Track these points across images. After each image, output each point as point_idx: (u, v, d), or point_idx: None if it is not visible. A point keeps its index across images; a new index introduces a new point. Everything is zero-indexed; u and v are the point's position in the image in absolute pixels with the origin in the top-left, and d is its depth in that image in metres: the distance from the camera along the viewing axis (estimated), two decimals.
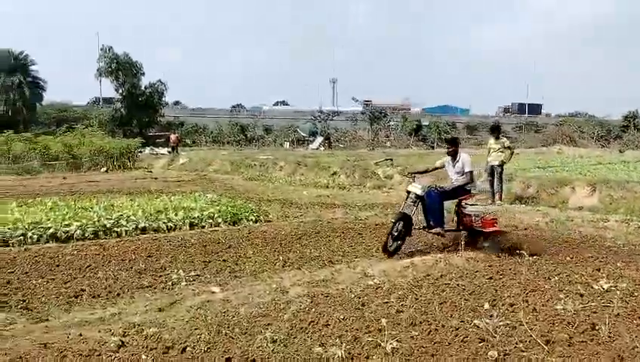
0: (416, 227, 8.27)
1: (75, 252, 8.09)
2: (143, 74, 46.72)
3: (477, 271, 6.90)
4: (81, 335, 4.79)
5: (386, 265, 7.49)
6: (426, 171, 9.21)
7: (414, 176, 8.53)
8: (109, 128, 41.98)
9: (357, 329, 4.83)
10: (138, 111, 45.96)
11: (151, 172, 26.33)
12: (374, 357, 4.26)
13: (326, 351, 4.31)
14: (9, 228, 8.81)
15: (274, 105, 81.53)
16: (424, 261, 7.66)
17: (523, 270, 6.80)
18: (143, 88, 46.81)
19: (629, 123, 56.98)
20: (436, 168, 9.07)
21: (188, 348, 4.45)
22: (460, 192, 8.47)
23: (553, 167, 19.68)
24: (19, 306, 5.74)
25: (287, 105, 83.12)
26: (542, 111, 78.58)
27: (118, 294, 6.23)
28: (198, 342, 4.57)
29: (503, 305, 5.51)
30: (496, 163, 13.79)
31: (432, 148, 47.62)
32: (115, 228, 9.49)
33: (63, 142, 28.26)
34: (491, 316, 5.06)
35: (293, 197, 15.42)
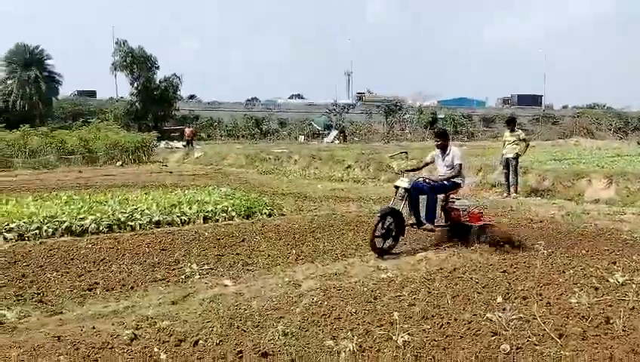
0: (406, 224, 7.93)
1: (90, 245, 8.16)
2: (158, 68, 46.99)
3: (491, 265, 6.85)
4: (94, 328, 4.84)
5: (399, 259, 7.47)
6: (417, 168, 8.85)
7: (403, 173, 8.26)
8: (124, 122, 42.27)
9: (369, 323, 4.82)
10: (153, 105, 46.23)
11: (166, 166, 26.50)
12: (386, 351, 4.24)
13: (337, 344, 4.31)
14: (25, 222, 8.90)
15: (289, 98, 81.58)
16: (437, 254, 7.62)
17: (537, 263, 6.73)
18: (157, 82, 47.05)
19: None
20: (427, 163, 8.81)
21: (200, 341, 4.47)
22: (450, 186, 8.22)
23: (570, 160, 19.47)
24: (33, 299, 5.80)
25: (302, 98, 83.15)
26: (542, 102, 77.26)
27: (132, 287, 6.28)
28: (210, 334, 4.58)
29: (516, 298, 5.46)
30: (512, 155, 13.66)
31: None
32: (130, 222, 9.56)
33: (79, 136, 28.55)
34: (504, 309, 5.02)
35: (307, 190, 15.43)
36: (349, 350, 4.21)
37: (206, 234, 9.02)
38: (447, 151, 8.39)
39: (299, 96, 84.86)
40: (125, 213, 9.84)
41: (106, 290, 6.15)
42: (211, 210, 10.55)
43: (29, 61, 44.55)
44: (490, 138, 48.09)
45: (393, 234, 7.72)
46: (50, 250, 7.87)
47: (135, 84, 46.13)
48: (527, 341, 4.37)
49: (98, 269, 6.97)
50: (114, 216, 9.63)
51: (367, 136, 50.90)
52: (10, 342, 4.55)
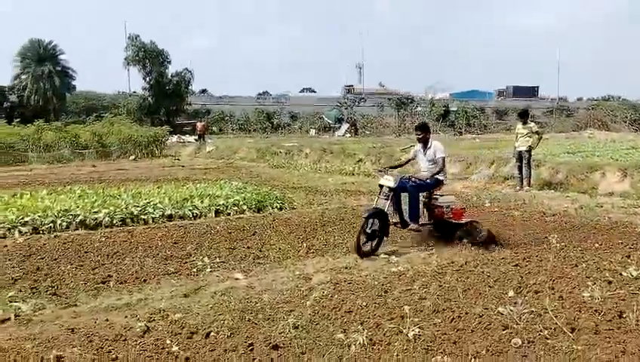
0: (389, 223, 7.66)
1: (103, 239, 8.24)
2: (170, 62, 47.15)
3: (502, 258, 6.82)
4: (107, 320, 4.90)
5: (409, 253, 7.47)
6: (399, 166, 8.60)
7: (386, 170, 7.96)
8: (137, 117, 42.47)
9: (379, 316, 4.83)
10: (165, 99, 46.44)
11: (178, 160, 26.64)
12: (396, 344, 4.24)
13: (348, 338, 4.32)
14: (39, 216, 9.01)
15: (300, 92, 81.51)
16: (448, 248, 7.60)
17: (550, 257, 6.70)
18: (169, 77, 47.23)
19: None
20: (409, 160, 8.54)
21: (212, 334, 4.50)
22: (433, 184, 7.89)
23: (584, 152, 19.25)
24: (48, 292, 5.87)
25: (313, 92, 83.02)
26: (538, 93, 75.91)
27: (145, 280, 6.33)
28: (221, 327, 4.62)
29: (528, 292, 5.43)
30: (524, 148, 13.56)
31: (460, 133, 47.03)
32: (142, 216, 9.64)
33: (93, 130, 28.76)
34: (516, 303, 5.00)
35: (318, 184, 15.44)
36: (360, 343, 4.22)
37: (217, 227, 9.06)
38: (429, 145, 8.03)
39: (310, 90, 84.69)
40: (138, 206, 9.92)
41: (120, 283, 6.21)
42: (223, 204, 10.60)
43: (43, 56, 44.92)
44: (503, 130, 47.74)
45: (378, 234, 7.46)
46: (65, 243, 7.96)
47: (147, 79, 46.37)
48: (539, 335, 4.35)
49: (111, 262, 7.04)
50: (127, 209, 9.71)
51: (379, 129, 50.71)
52: (26, 333, 4.62)
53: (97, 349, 4.20)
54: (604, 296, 5.20)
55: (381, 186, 7.71)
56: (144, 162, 25.60)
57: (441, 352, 4.10)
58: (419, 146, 8.19)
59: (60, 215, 9.13)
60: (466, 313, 4.85)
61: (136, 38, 45.59)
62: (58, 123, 30.88)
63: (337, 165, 20.17)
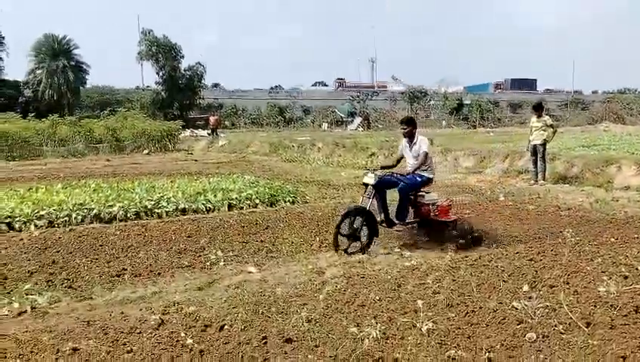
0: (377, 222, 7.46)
1: (118, 232, 8.30)
2: (183, 57, 47.42)
3: (517, 253, 6.77)
4: (122, 313, 4.93)
5: (423, 247, 7.44)
6: (391, 166, 8.07)
7: (373, 169, 7.64)
8: (150, 111, 42.71)
9: (392, 310, 4.81)
10: (178, 93, 46.68)
11: (191, 154, 26.75)
12: (410, 338, 4.23)
13: (361, 331, 4.31)
14: (54, 209, 9.09)
15: (312, 85, 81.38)
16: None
17: (565, 251, 6.63)
18: (182, 71, 47.42)
19: None
20: (400, 158, 8.14)
21: (226, 327, 4.51)
22: (422, 182, 7.65)
23: (599, 146, 19.05)
24: (64, 285, 5.93)
25: (325, 85, 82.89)
26: (536, 86, 74.52)
27: (159, 273, 6.38)
28: (235, 320, 4.63)
29: (542, 286, 5.38)
30: (539, 142, 13.45)
31: (474, 127, 46.73)
32: (156, 209, 9.70)
33: (107, 125, 28.93)
34: (530, 298, 4.96)
35: (330, 178, 15.42)
36: (373, 337, 4.22)
37: (230, 221, 9.09)
38: (415, 141, 7.76)
39: (322, 84, 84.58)
40: (152, 200, 9.98)
41: (134, 276, 6.26)
42: (236, 198, 10.63)
43: (57, 51, 45.23)
44: (517, 124, 47.41)
45: (363, 234, 7.23)
46: (80, 236, 8.03)
47: (160, 73, 46.59)
48: (554, 329, 4.32)
49: (126, 256, 7.10)
50: (141, 203, 9.77)
51: (392, 123, 50.56)
52: (42, 326, 4.67)
53: (112, 341, 4.23)
54: (619, 291, 5.14)
55: (365, 185, 7.50)
56: (157, 156, 25.73)
57: (455, 346, 4.08)
58: (405, 142, 7.95)
59: (75, 208, 9.21)
60: (480, 307, 4.82)
61: (149, 33, 45.84)
62: (72, 117, 31.06)
63: (350, 159, 20.13)
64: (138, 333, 4.40)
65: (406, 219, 7.62)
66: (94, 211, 9.22)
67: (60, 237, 7.98)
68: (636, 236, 7.66)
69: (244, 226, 8.75)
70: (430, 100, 55.94)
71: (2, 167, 21.40)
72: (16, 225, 8.56)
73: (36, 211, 8.96)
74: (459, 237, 7.45)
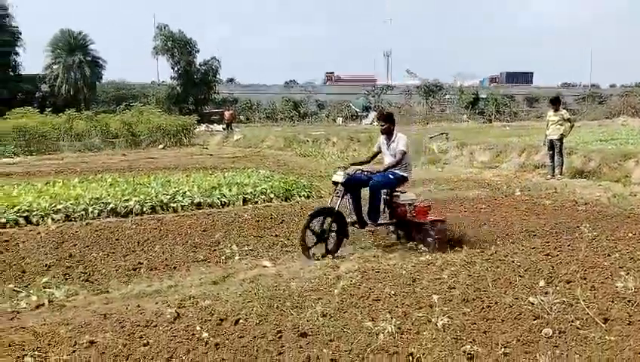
0: (348, 222, 7.13)
1: (134, 226, 8.36)
2: (198, 51, 47.55)
3: (533, 248, 6.71)
4: (139, 306, 4.97)
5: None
6: (365, 162, 7.71)
7: (344, 167, 7.27)
8: (165, 106, 42.93)
9: (407, 305, 4.80)
10: (193, 88, 46.88)
11: (206, 148, 26.88)
12: (425, 333, 4.22)
13: (376, 326, 4.31)
14: (71, 203, 9.18)
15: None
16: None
17: (582, 246, 6.56)
18: (197, 66, 47.57)
19: None
20: (376, 154, 7.81)
21: (241, 320, 4.53)
22: (396, 181, 7.26)
23: (617, 140, 18.80)
24: (81, 278, 6.01)
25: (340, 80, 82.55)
26: (533, 79, 72.94)
27: (175, 267, 6.43)
28: (250, 314, 4.64)
29: (559, 282, 5.33)
30: (556, 136, 13.32)
31: (490, 121, 46.36)
32: (172, 204, 9.76)
33: (122, 120, 29.15)
34: (547, 293, 4.92)
35: None
36: (388, 331, 4.21)
37: (245, 215, 9.12)
38: (393, 138, 7.41)
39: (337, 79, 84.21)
40: (167, 194, 10.04)
41: (150, 270, 6.31)
42: (250, 192, 10.66)
43: (73, 46, 45.59)
44: (533, 118, 46.96)
45: (332, 235, 6.90)
46: (96, 230, 8.10)
47: (176, 68, 46.77)
48: (571, 325, 4.28)
49: (142, 249, 7.16)
50: (157, 197, 9.83)
51: (407, 117, 50.32)
52: (59, 319, 4.72)
53: (129, 334, 4.27)
54: (637, 287, 5.07)
55: (335, 183, 7.13)
56: (173, 151, 25.88)
57: (471, 342, 4.06)
58: (383, 138, 7.61)
59: (91, 203, 9.29)
60: (496, 302, 4.79)
61: (164, 28, 46.01)
62: (89, 112, 31.37)
63: (365, 153, 20.01)
64: (154, 327, 4.44)
65: (379, 220, 7.20)
66: (111, 205, 9.29)
67: (76, 231, 8.05)
68: None
69: (258, 220, 8.78)
70: (445, 94, 55.56)
71: (20, 161, 21.68)
72: (34, 219, 8.65)
73: (53, 205, 9.06)
74: (436, 240, 7.01)
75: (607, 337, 4.05)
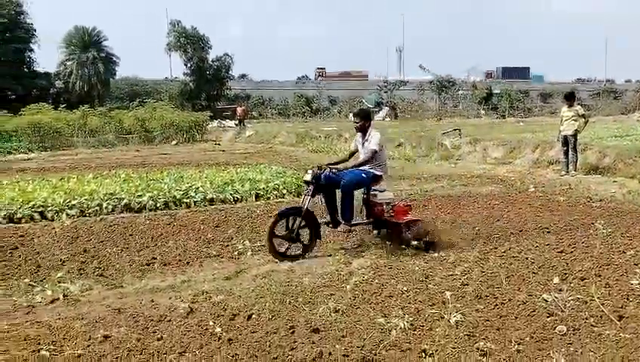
0: (321, 222, 6.91)
1: (147, 222, 8.42)
2: (210, 47, 47.60)
3: (547, 244, 6.66)
4: (152, 301, 5.02)
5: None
6: (342, 161, 7.46)
7: (318, 166, 6.92)
8: (178, 102, 43.07)
9: (420, 301, 4.79)
10: (206, 84, 46.95)
11: (219, 144, 26.96)
12: (438, 329, 4.21)
13: (388, 322, 4.31)
14: (86, 199, 9.27)
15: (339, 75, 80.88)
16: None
17: (596, 243, 6.51)
18: (210, 62, 47.66)
19: None
20: (353, 153, 7.55)
21: (253, 316, 4.55)
22: (369, 179, 7.00)
23: (632, 136, 18.59)
24: (95, 273, 6.06)
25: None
26: (529, 74, 71.45)
27: (188, 263, 6.46)
28: (263, 310, 4.66)
29: (573, 279, 5.30)
30: (570, 132, 13.18)
31: (504, 117, 46.01)
32: (185, 199, 9.80)
33: (136, 116, 29.30)
34: (561, 290, 4.89)
35: None
36: (400, 328, 4.21)
37: (258, 211, 9.14)
38: (367, 136, 7.17)
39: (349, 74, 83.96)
40: (180, 190, 10.10)
41: (164, 265, 6.35)
42: (263, 188, 10.68)
43: (87, 43, 45.81)
44: (547, 114, 46.58)
45: (302, 236, 6.74)
46: (110, 226, 8.17)
47: (189, 64, 46.92)
48: (585, 322, 4.25)
49: (156, 245, 7.20)
50: (170, 193, 9.89)
51: (419, 113, 50.08)
52: (74, 313, 4.78)
53: (143, 329, 4.31)
54: None
55: (306, 183, 6.92)
56: (186, 147, 25.99)
57: (484, 338, 4.05)
58: (358, 136, 7.38)
59: (105, 198, 9.36)
60: (510, 299, 4.77)
61: (177, 24, 46.15)
62: (102, 108, 31.55)
63: None
64: (168, 321, 4.48)
65: (352, 220, 6.97)
66: (124, 201, 9.36)
67: (91, 227, 8.12)
68: None
69: (271, 216, 8.76)
70: (458, 90, 55.16)
71: (35, 157, 21.90)
72: (49, 215, 8.74)
73: (68, 201, 9.14)
74: (413, 240, 6.73)
75: (621, 334, 4.02)
